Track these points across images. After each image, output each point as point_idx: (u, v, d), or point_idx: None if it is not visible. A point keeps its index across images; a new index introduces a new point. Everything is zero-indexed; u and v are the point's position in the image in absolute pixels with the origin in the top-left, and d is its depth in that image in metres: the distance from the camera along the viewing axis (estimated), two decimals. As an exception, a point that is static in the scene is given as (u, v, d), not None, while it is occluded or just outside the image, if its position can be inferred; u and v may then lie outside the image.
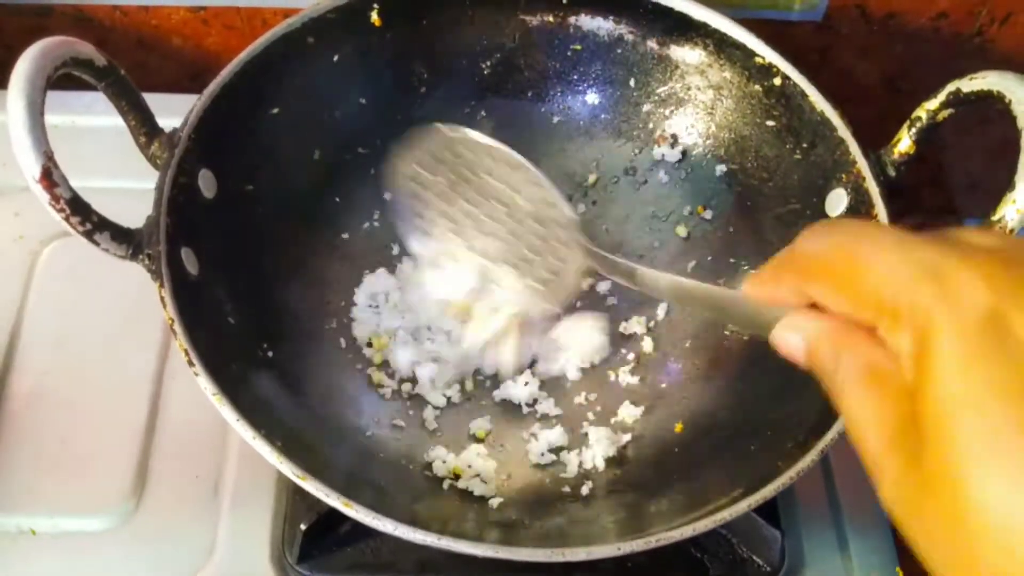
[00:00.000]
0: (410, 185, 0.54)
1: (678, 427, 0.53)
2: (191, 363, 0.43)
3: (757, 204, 0.57)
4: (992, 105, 0.44)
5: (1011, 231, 0.43)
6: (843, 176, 0.52)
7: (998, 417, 0.21)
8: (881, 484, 0.24)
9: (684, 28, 0.58)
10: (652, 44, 0.59)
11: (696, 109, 0.60)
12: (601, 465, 0.52)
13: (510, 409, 0.55)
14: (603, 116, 0.62)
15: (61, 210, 0.40)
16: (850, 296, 0.26)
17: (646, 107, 0.61)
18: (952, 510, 0.22)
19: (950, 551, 0.22)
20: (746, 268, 0.57)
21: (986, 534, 0.21)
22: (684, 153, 0.61)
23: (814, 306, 0.28)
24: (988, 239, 0.24)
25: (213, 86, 0.51)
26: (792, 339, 0.28)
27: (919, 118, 0.49)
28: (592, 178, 0.63)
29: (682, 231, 0.60)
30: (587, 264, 0.51)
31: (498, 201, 0.53)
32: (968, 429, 0.21)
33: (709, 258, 0.59)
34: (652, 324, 0.58)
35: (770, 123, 0.56)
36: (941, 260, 0.23)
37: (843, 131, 0.52)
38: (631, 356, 0.57)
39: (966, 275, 0.22)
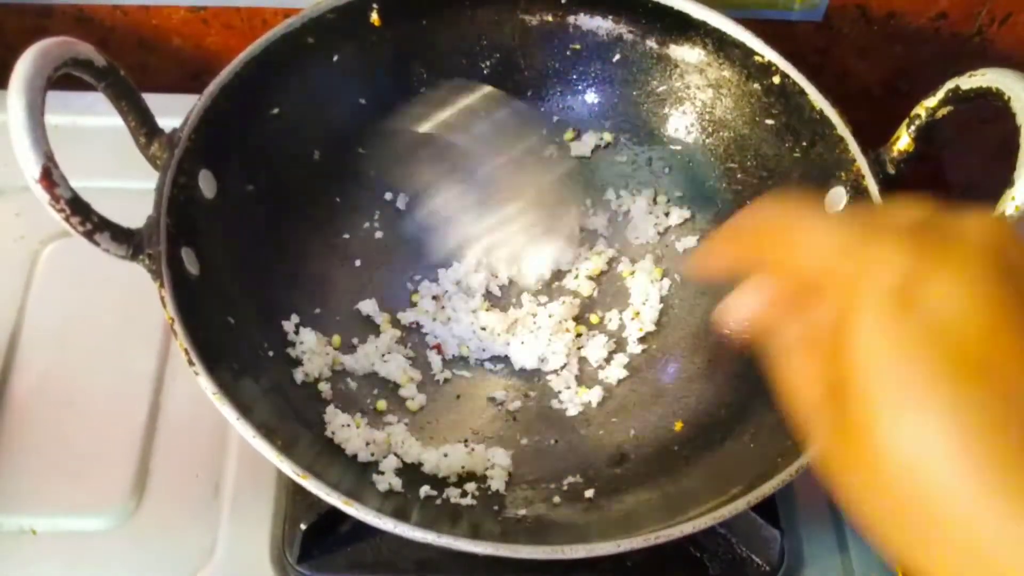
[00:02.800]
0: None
1: (678, 426, 0.53)
2: (191, 363, 0.43)
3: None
4: (991, 102, 0.44)
5: None
6: (842, 174, 0.52)
7: (905, 373, 0.23)
8: (812, 444, 0.27)
9: (683, 27, 0.58)
10: (651, 43, 0.59)
11: (695, 108, 0.60)
12: (602, 463, 0.52)
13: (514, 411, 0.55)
14: (602, 115, 0.62)
15: (61, 210, 0.40)
16: (785, 267, 0.28)
17: (645, 106, 0.61)
18: (870, 458, 0.24)
19: (870, 496, 0.25)
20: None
21: (898, 473, 0.23)
22: (683, 151, 0.61)
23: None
24: (914, 212, 0.26)
25: (213, 86, 0.51)
26: (738, 310, 0.30)
27: (918, 116, 0.49)
28: (592, 177, 0.63)
29: (682, 230, 0.60)
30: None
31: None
32: (880, 384, 0.24)
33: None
34: (651, 322, 0.58)
35: (769, 121, 0.56)
36: (862, 235, 0.25)
37: (842, 129, 0.52)
38: (629, 355, 0.57)
39: (883, 249, 0.25)
